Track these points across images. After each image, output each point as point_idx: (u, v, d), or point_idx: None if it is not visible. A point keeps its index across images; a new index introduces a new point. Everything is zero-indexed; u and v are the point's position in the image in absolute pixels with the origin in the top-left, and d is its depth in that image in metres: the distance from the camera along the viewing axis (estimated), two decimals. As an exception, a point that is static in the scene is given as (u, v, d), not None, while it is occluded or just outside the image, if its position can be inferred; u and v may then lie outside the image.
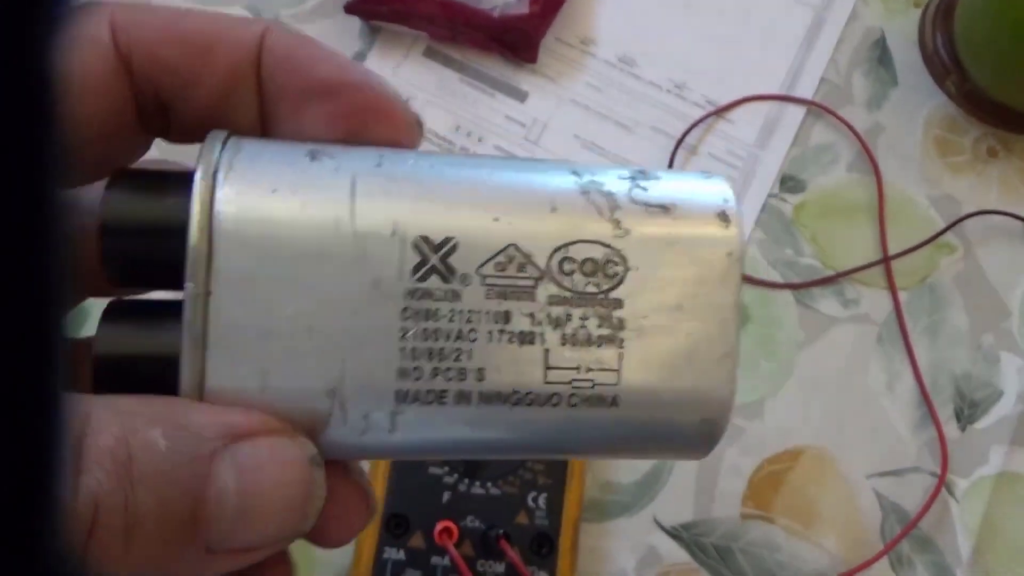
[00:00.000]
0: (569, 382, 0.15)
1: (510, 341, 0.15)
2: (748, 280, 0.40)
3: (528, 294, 0.15)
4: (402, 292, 0.15)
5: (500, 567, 0.32)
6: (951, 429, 0.38)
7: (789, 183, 0.43)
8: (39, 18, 0.08)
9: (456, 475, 0.33)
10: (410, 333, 0.15)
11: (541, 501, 0.33)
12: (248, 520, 0.13)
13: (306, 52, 0.16)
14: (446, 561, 0.32)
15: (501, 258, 0.15)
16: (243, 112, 0.16)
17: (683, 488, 0.36)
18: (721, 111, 0.44)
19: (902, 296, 0.40)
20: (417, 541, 0.32)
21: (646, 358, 0.16)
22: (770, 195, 0.42)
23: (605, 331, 0.15)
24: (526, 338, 0.15)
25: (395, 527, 0.32)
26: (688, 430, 0.16)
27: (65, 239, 0.08)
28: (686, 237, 0.16)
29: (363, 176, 0.15)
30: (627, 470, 0.37)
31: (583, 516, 0.35)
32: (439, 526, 0.29)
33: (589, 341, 0.15)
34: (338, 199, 0.15)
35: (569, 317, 0.15)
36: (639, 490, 0.36)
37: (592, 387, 0.16)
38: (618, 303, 0.15)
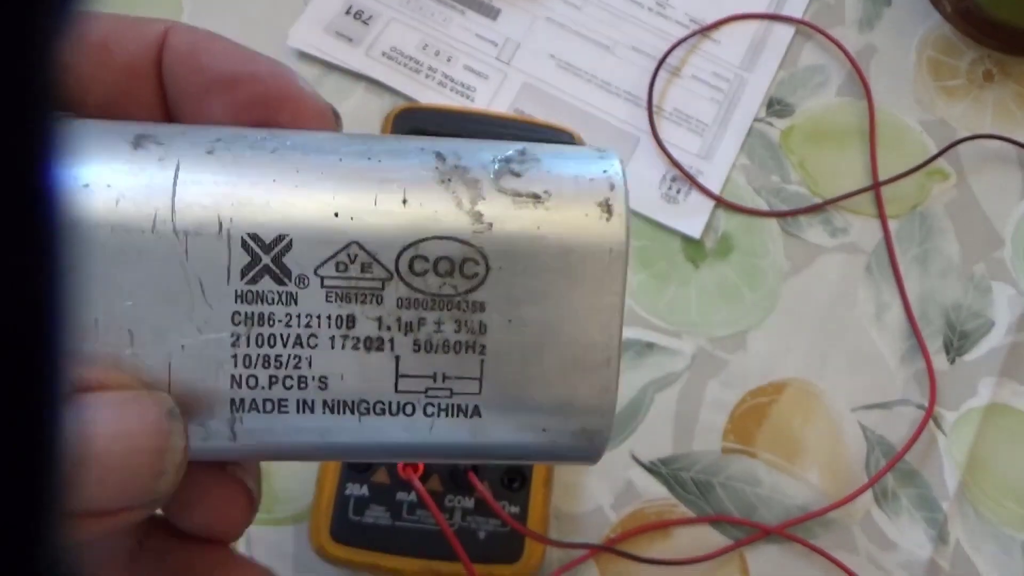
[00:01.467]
0: (424, 391, 0.14)
1: (355, 347, 0.14)
2: (733, 207, 0.38)
3: (374, 297, 0.14)
4: (231, 295, 0.13)
5: (469, 502, 0.30)
6: (940, 361, 0.37)
7: (776, 107, 0.40)
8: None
9: (423, 408, 0.31)
10: (242, 339, 0.14)
11: (513, 434, 0.31)
12: (93, 474, 0.12)
13: (208, 46, 0.15)
14: (412, 496, 0.30)
15: (342, 257, 0.14)
16: (145, 109, 0.16)
17: (662, 422, 0.35)
18: (705, 30, 0.41)
19: (892, 225, 0.39)
20: (381, 476, 0.30)
21: (512, 366, 0.14)
22: (756, 119, 0.40)
23: (464, 337, 0.14)
24: (373, 344, 0.14)
25: (360, 464, 0.30)
26: (564, 440, 0.15)
27: None
28: (558, 231, 0.14)
29: (189, 164, 0.14)
30: (604, 404, 0.35)
31: (558, 452, 0.34)
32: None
33: (446, 347, 0.14)
34: (157, 193, 0.13)
35: (422, 321, 0.14)
36: (617, 424, 0.35)
37: (450, 396, 0.14)
38: (479, 306, 0.14)
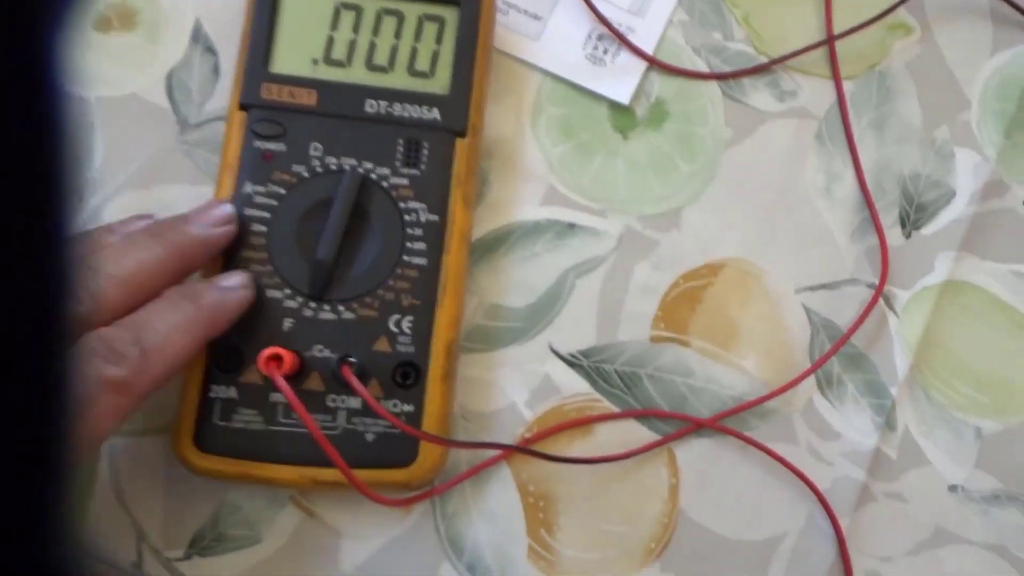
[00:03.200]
0: None
1: None
2: (668, 69, 0.33)
3: None
4: None
5: (356, 402, 0.26)
6: (894, 236, 0.33)
7: (719, -48, 0.35)
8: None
9: (300, 298, 0.27)
10: None
11: (405, 325, 0.27)
12: None
13: None
14: (289, 397, 0.26)
15: None
16: None
17: (584, 310, 0.31)
18: None
19: (847, 86, 0.34)
20: (253, 376, 0.26)
21: None
22: (696, -34, 0.35)
23: None
24: None
25: (225, 361, 0.26)
26: None
27: None
28: None
29: None
30: (519, 293, 0.31)
31: (466, 346, 0.30)
32: (265, 353, 0.24)
33: None
34: None
35: None
36: (533, 314, 0.31)
37: None
38: None
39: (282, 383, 0.23)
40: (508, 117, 0.32)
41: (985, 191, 0.34)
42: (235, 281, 0.26)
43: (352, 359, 0.25)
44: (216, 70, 0.32)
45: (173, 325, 0.23)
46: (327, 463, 0.25)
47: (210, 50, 0.32)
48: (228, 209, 0.26)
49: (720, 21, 0.35)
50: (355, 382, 0.24)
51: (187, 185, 0.30)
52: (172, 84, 0.31)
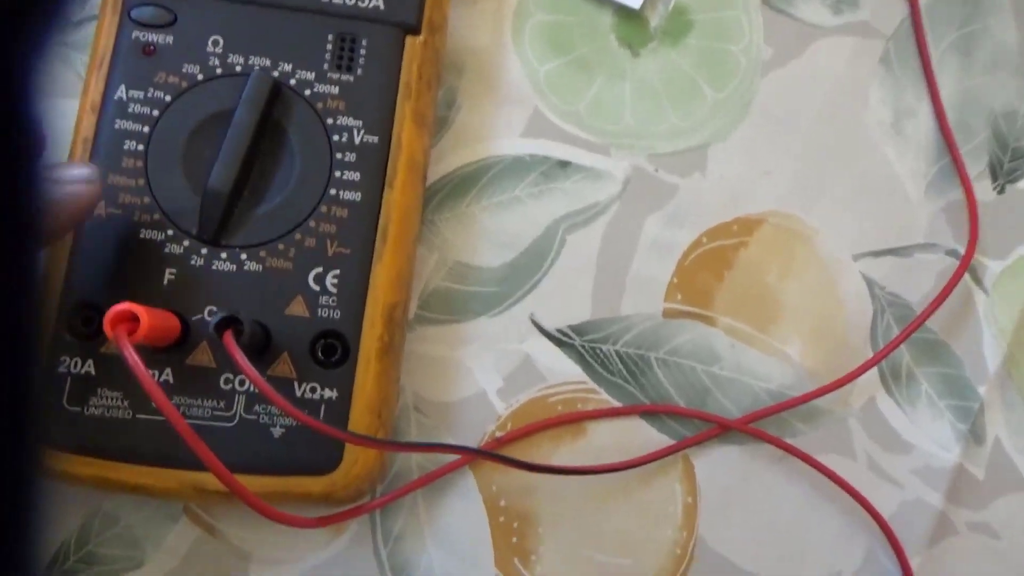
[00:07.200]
0: None
1: None
2: (692, -28, 0.26)
3: None
4: None
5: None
6: (983, 190, 0.26)
7: None
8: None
9: (188, 241, 0.20)
10: None
11: (330, 282, 0.20)
12: None
13: None
14: (167, 375, 0.19)
15: None
16: None
17: (578, 274, 0.24)
18: None
19: (922, -2, 0.27)
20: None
21: None
22: None
23: None
24: None
25: (83, 324, 0.19)
26: None
27: None
28: None
29: None
30: (492, 249, 0.24)
31: (421, 316, 0.23)
32: (113, 311, 0.17)
33: None
34: None
35: None
36: (510, 277, 0.24)
37: None
38: None
39: (130, 352, 0.16)
40: (484, 22, 0.25)
41: (1102, 134, 0.26)
42: (74, 171, 0.19)
43: (239, 320, 0.18)
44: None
45: None
46: (211, 467, 0.18)
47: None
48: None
49: (761, -85, 0.27)
50: (236, 352, 0.17)
51: (62, 99, 0.23)
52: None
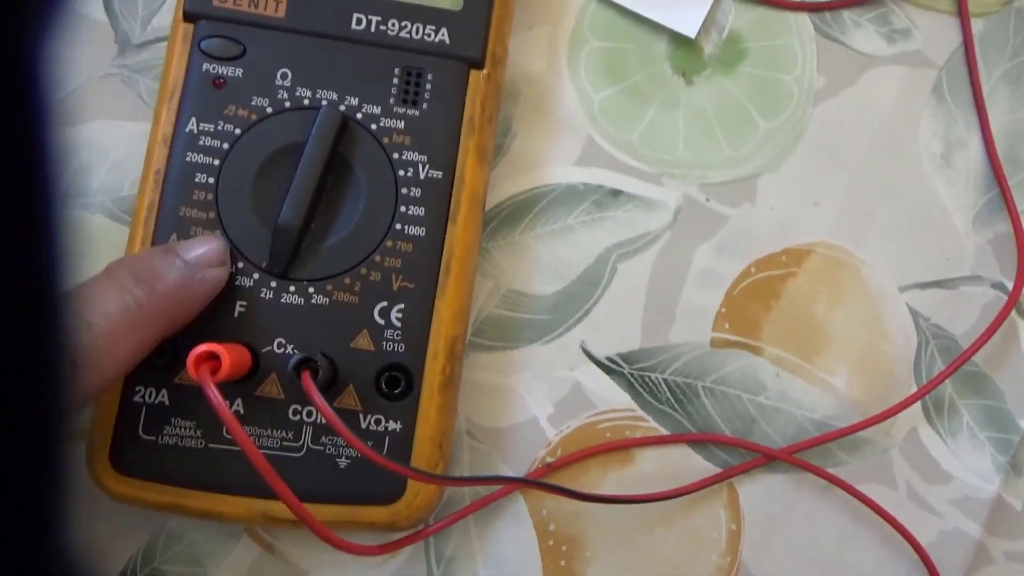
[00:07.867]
0: None
1: None
2: (746, -3, 0.26)
3: None
4: None
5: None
6: (1029, 222, 0.26)
7: None
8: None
9: (257, 275, 0.20)
10: None
11: (395, 316, 0.20)
12: None
13: None
14: (238, 405, 0.20)
15: None
16: None
17: (628, 303, 0.24)
18: None
19: (976, 25, 0.27)
20: (190, 376, 0.20)
21: None
22: None
23: None
24: None
25: (157, 356, 0.20)
26: None
27: None
28: None
29: None
30: (545, 277, 0.24)
31: (475, 343, 0.24)
32: (195, 352, 0.17)
33: None
34: None
35: None
36: (562, 305, 0.24)
37: None
38: None
39: (213, 392, 0.16)
40: (540, 49, 0.25)
41: None
42: (205, 252, 0.19)
43: (315, 360, 0.18)
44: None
45: (115, 319, 0.17)
46: (282, 498, 0.18)
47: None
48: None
49: (816, -61, 0.27)
50: (314, 393, 0.18)
51: (125, 122, 0.24)
52: (115, -7, 0.25)
